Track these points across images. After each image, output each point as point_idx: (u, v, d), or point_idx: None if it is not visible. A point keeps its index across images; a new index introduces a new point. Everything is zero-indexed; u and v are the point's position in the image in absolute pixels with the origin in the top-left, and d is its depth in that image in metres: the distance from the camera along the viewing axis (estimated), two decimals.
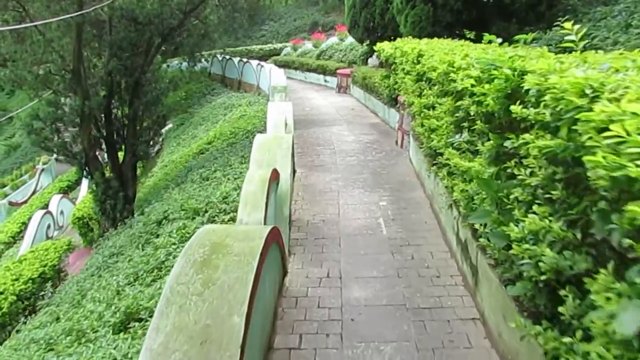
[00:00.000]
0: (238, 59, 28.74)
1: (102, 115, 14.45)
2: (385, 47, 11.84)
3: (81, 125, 13.62)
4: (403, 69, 7.82)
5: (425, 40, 7.58)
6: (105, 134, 14.64)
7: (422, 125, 6.54)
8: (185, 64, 27.51)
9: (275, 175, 5.56)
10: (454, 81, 3.78)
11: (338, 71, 20.84)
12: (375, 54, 16.23)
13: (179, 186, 12.35)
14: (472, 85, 3.26)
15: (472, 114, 3.35)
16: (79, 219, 15.69)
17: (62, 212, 18.86)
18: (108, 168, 15.10)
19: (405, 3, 9.50)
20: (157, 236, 9.18)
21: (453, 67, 3.92)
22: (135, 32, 13.90)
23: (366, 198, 7.27)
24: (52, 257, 12.50)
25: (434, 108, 5.40)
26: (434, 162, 5.96)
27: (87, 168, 14.23)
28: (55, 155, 14.49)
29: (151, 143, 15.33)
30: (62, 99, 14.02)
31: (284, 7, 45.14)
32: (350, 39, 23.23)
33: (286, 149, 6.41)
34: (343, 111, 15.46)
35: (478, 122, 3.29)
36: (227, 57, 30.90)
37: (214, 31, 14.46)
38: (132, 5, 12.94)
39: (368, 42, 20.13)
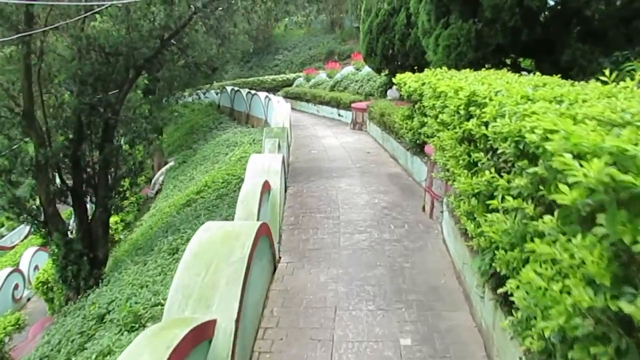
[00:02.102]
0: (246, 90, 26.49)
1: (69, 162, 12.09)
2: (407, 80, 9.19)
3: (37, 176, 11.25)
4: (436, 117, 5.13)
5: (473, 74, 4.89)
6: (72, 184, 12.25)
7: (473, 219, 3.82)
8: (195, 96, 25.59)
9: (199, 336, 2.88)
10: None
11: (353, 105, 18.29)
12: (395, 86, 13.74)
13: (146, 257, 9.78)
14: None
15: None
16: (43, 284, 13.23)
17: (36, 268, 16.41)
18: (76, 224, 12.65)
19: (435, 21, 6.83)
20: (85, 346, 6.62)
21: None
22: (106, 64, 11.59)
23: (379, 327, 4.48)
24: None
25: (507, 213, 2.66)
26: (501, 298, 3.23)
27: (45, 227, 11.79)
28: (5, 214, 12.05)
29: (127, 195, 12.83)
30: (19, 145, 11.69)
31: (299, 36, 43.24)
32: (367, 69, 20.79)
33: (239, 261, 3.72)
34: (356, 155, 12.80)
35: None
36: (236, 88, 28.70)
37: (199, 62, 12.10)
38: (99, 33, 10.65)
39: (386, 71, 17.63)
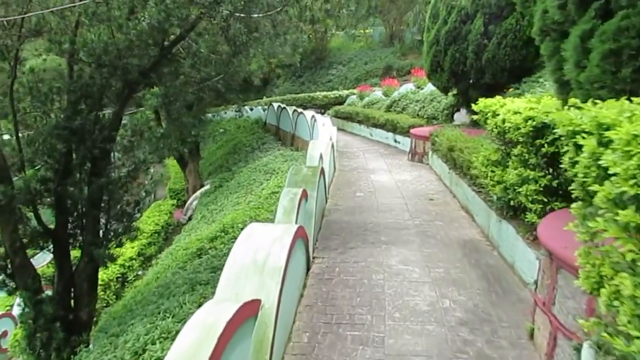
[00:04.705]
0: (293, 108, 23.81)
1: (52, 199, 9.69)
2: (498, 109, 6.01)
3: None
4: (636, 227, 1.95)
5: None
6: (55, 227, 9.82)
7: None
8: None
9: None
10: None
11: (412, 131, 15.05)
12: (466, 110, 10.45)
13: (115, 342, 7.02)
14: None
15: None
16: (19, 343, 10.89)
17: None
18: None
19: (577, 5, 3.58)
20: None
21: None
22: (95, 77, 9.09)
23: None
24: None
25: None
26: None
27: (12, 281, 9.38)
28: None
29: (121, 240, 10.23)
30: None
31: (355, 50, 40.32)
32: (430, 87, 17.55)
33: None
34: (416, 203, 9.59)
35: None
36: (282, 105, 26.11)
37: (207, 77, 9.40)
38: (78, 39, 8.13)
39: (455, 91, 14.35)
